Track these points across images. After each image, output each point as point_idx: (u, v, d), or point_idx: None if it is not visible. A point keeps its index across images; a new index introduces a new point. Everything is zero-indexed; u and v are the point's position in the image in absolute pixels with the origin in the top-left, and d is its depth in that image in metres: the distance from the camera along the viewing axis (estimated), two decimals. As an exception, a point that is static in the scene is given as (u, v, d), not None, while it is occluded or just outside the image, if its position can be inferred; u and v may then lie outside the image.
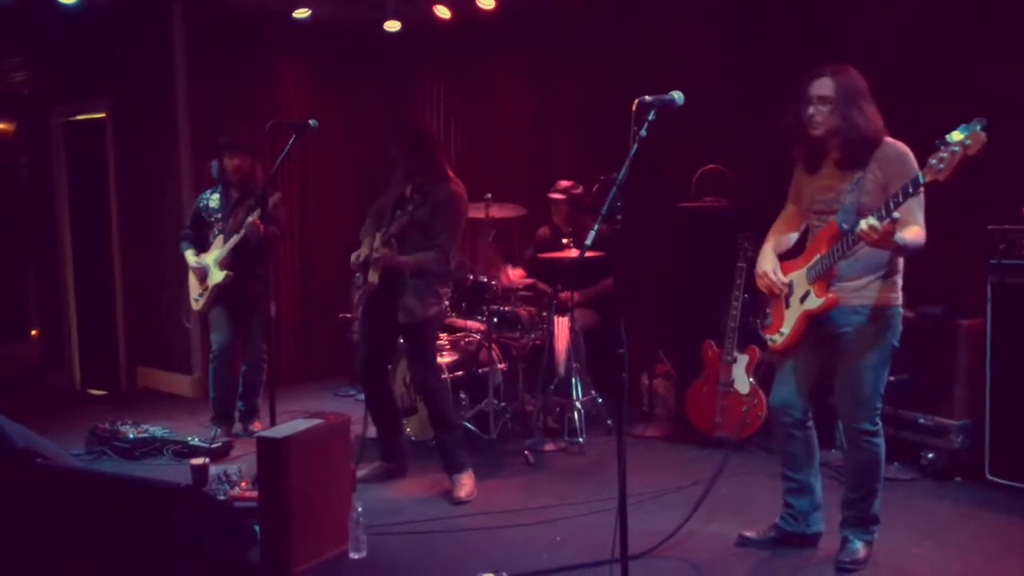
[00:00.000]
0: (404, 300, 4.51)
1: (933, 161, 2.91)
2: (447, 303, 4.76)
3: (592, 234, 2.82)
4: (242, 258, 5.44)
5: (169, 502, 3.13)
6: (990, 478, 4.34)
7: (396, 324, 4.58)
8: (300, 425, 3.75)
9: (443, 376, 5.04)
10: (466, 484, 4.54)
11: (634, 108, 2.89)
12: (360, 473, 4.68)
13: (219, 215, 5.60)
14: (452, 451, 4.60)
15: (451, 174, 4.65)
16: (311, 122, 4.29)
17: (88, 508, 3.18)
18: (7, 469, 3.42)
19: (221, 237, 5.53)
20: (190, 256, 5.64)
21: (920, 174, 2.97)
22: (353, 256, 4.68)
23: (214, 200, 5.65)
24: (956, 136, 2.86)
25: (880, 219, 3.05)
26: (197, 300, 5.66)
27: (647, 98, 2.91)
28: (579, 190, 5.83)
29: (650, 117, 2.90)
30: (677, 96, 2.97)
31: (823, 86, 3.36)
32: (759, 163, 5.57)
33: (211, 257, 5.55)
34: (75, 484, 3.29)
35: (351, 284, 4.83)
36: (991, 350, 4.33)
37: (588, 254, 5.16)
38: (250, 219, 5.24)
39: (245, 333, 5.70)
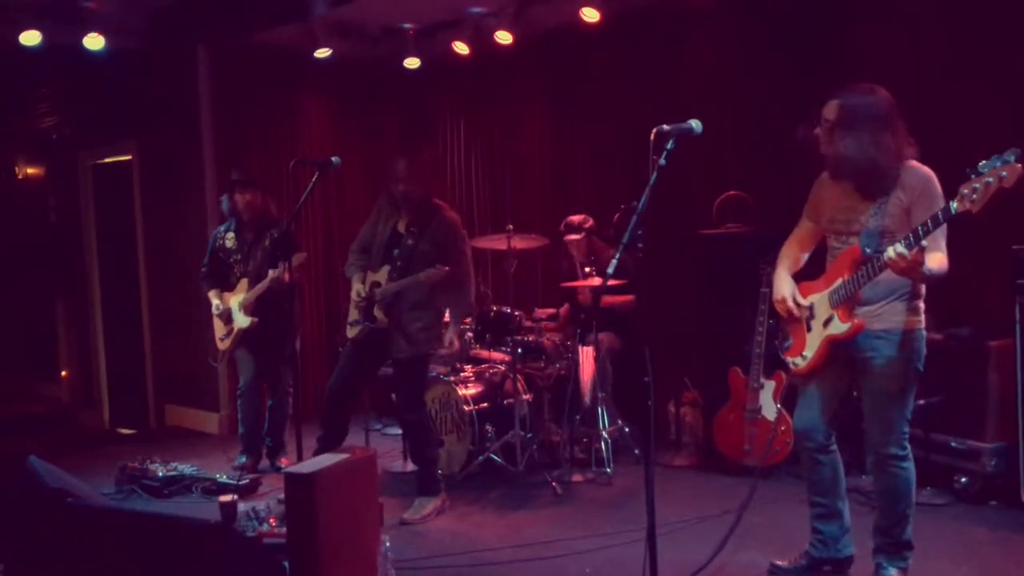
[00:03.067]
0: (400, 335, 4.58)
1: (965, 191, 2.88)
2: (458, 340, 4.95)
3: (614, 263, 2.82)
4: (267, 301, 5.49)
5: (200, 540, 3.14)
6: (1026, 501, 4.27)
7: (385, 356, 4.66)
8: (327, 460, 3.75)
9: (426, 411, 5.12)
10: (427, 508, 4.67)
11: (652, 137, 2.90)
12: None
13: (237, 256, 5.64)
14: (425, 476, 4.79)
15: (439, 202, 4.72)
16: (334, 159, 4.34)
17: (120, 548, 3.19)
18: (39, 510, 3.45)
19: (245, 281, 5.56)
20: (213, 299, 5.69)
21: (952, 204, 2.94)
22: (354, 294, 4.75)
23: (230, 239, 5.67)
24: (990, 167, 2.83)
25: (908, 247, 3.03)
26: (223, 340, 5.71)
27: (665, 127, 2.93)
28: (590, 223, 5.86)
29: (669, 146, 2.91)
30: (695, 124, 2.98)
31: (829, 109, 3.36)
32: (780, 189, 5.59)
33: (235, 301, 5.59)
34: (106, 524, 3.32)
35: (345, 318, 4.91)
36: (1022, 371, 4.27)
37: (610, 282, 5.29)
38: (275, 274, 5.30)
39: (271, 368, 5.74)
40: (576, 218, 5.93)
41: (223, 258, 5.70)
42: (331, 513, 3.60)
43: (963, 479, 4.51)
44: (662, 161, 2.88)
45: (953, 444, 4.56)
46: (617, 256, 2.84)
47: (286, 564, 3.65)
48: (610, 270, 2.82)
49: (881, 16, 5.26)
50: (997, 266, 4.48)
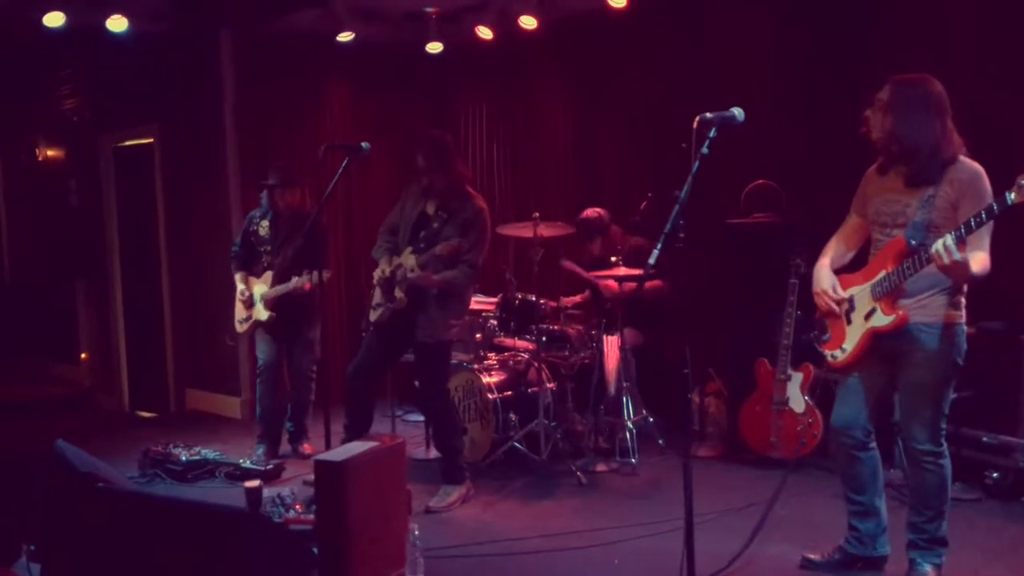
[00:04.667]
0: (425, 319, 4.55)
1: (1023, 182, 2.84)
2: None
3: (655, 253, 2.79)
4: (288, 296, 5.49)
5: (231, 526, 3.13)
6: (1058, 498, 4.23)
7: (408, 342, 4.62)
8: (357, 448, 3.74)
9: (449, 398, 5.08)
10: (452, 496, 4.64)
11: (695, 125, 2.86)
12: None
13: (268, 247, 5.63)
14: (451, 465, 4.75)
15: (472, 190, 4.67)
16: (364, 145, 4.32)
17: (150, 533, 3.18)
18: (69, 494, 3.44)
19: (270, 274, 5.56)
20: (239, 282, 5.69)
21: (1009, 195, 2.89)
22: (376, 273, 4.72)
23: (263, 228, 5.65)
24: None
25: (957, 239, 2.98)
26: (241, 323, 5.73)
27: (708, 115, 2.89)
28: (605, 218, 5.87)
29: (711, 134, 2.87)
30: (738, 112, 2.94)
31: (883, 91, 3.36)
32: (808, 178, 5.53)
33: (258, 291, 5.60)
34: (136, 509, 3.31)
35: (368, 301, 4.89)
36: (1056, 366, 4.23)
37: (632, 271, 5.25)
38: (298, 281, 5.31)
39: (290, 351, 5.73)
40: (589, 215, 5.89)
41: (254, 243, 5.70)
42: (361, 501, 3.59)
43: (994, 474, 4.46)
44: (704, 150, 2.83)
45: (985, 439, 4.51)
46: (659, 247, 2.79)
47: (315, 550, 3.65)
48: (652, 260, 2.78)
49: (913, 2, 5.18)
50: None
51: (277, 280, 5.50)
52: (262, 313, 5.56)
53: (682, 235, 2.77)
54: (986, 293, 4.09)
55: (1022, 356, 4.40)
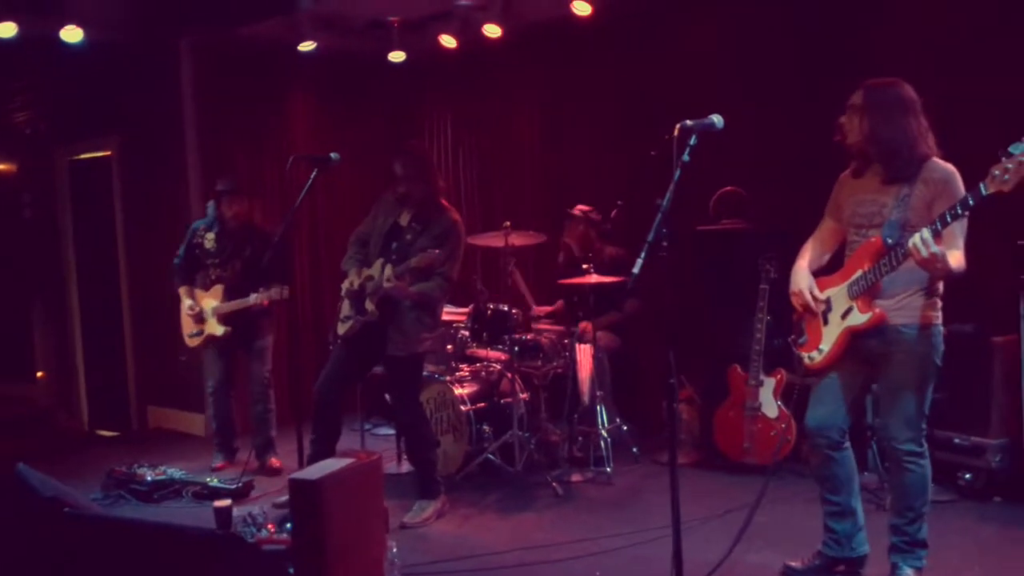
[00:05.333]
0: (397, 332, 4.49)
1: (996, 172, 2.87)
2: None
3: (639, 262, 2.76)
4: (244, 310, 5.45)
5: (205, 549, 3.04)
6: (1031, 497, 4.27)
7: (379, 355, 4.56)
8: (333, 464, 3.67)
9: (423, 412, 5.01)
10: (427, 511, 4.59)
11: (675, 133, 2.84)
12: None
13: (215, 260, 5.57)
14: (425, 479, 4.69)
15: (446, 203, 4.64)
16: (333, 156, 4.25)
17: (121, 558, 3.08)
18: (34, 521, 3.32)
19: (220, 287, 5.50)
20: (185, 297, 5.63)
21: (982, 186, 2.92)
22: (345, 285, 4.65)
23: (209, 240, 5.59)
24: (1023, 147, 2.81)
25: (934, 233, 3.01)
26: (192, 337, 5.65)
27: (688, 122, 2.87)
28: (596, 216, 5.80)
29: (691, 142, 2.85)
30: (717, 120, 2.94)
31: (855, 96, 3.40)
32: (777, 185, 5.56)
33: (208, 304, 5.53)
34: (106, 534, 3.20)
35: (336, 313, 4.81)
36: (1026, 367, 4.27)
37: (607, 279, 5.24)
38: (257, 297, 5.28)
39: (243, 367, 5.69)
40: (584, 207, 5.90)
41: (199, 256, 5.62)
42: (338, 519, 3.52)
43: (967, 475, 4.50)
44: (685, 157, 2.81)
45: (957, 440, 4.55)
46: (642, 257, 2.76)
47: (291, 571, 3.56)
48: (636, 270, 2.75)
49: (884, 10, 5.23)
50: (1001, 261, 4.46)
51: (229, 294, 5.44)
52: (217, 328, 5.49)
53: (665, 244, 2.74)
54: (956, 296, 4.14)
55: (993, 358, 4.46)
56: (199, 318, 5.57)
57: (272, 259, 4.83)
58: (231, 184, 5.58)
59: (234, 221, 5.54)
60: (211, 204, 5.62)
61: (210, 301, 5.53)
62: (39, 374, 8.31)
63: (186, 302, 5.60)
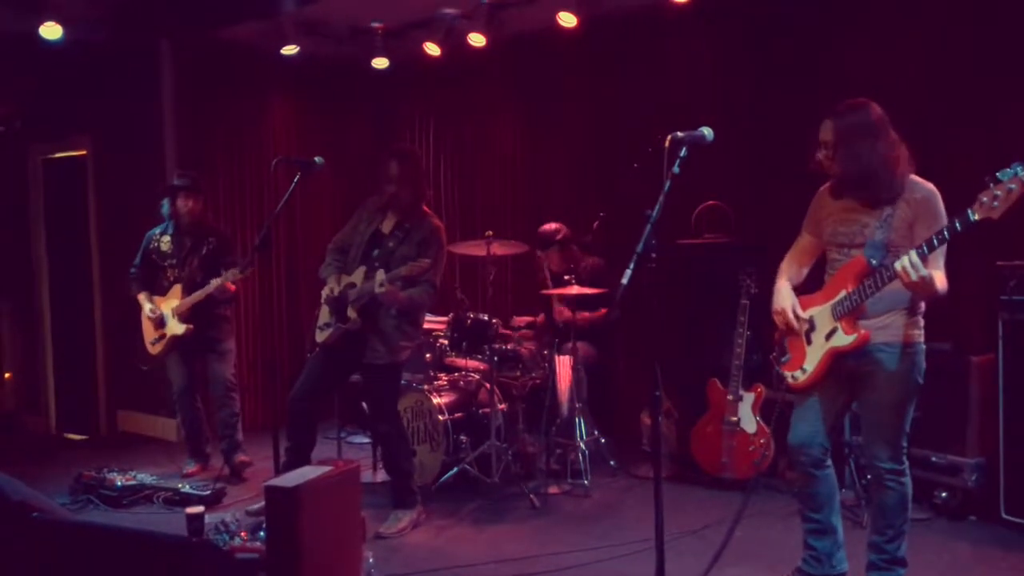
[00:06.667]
0: (378, 340, 4.44)
1: (985, 199, 2.85)
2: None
3: (628, 273, 2.74)
4: (200, 306, 5.40)
5: (177, 556, 2.97)
6: (1006, 517, 4.28)
7: (357, 363, 4.52)
8: (309, 473, 3.60)
9: (401, 421, 4.96)
10: (403, 521, 4.54)
11: (666, 145, 2.83)
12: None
13: (172, 261, 5.52)
14: (401, 488, 4.63)
15: (428, 210, 4.61)
16: (317, 159, 4.21)
17: (92, 565, 3.00)
18: (1, 526, 3.24)
19: (178, 287, 5.44)
20: (144, 302, 5.56)
21: (970, 212, 2.91)
22: (325, 292, 4.60)
23: (165, 243, 5.56)
24: (1011, 174, 2.80)
25: (921, 255, 3.01)
26: (155, 344, 5.57)
27: (679, 134, 2.86)
28: (563, 233, 5.78)
29: (682, 153, 2.84)
30: (707, 132, 2.94)
31: (824, 129, 3.34)
32: (758, 199, 5.59)
33: (168, 306, 5.47)
34: (77, 540, 3.12)
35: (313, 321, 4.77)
36: (1003, 386, 4.29)
37: (587, 290, 5.22)
38: (220, 281, 5.20)
39: (209, 365, 5.63)
40: (549, 228, 5.83)
41: (156, 260, 5.59)
42: (314, 528, 3.45)
43: (943, 494, 4.51)
44: (676, 169, 2.80)
45: (933, 459, 4.57)
46: (631, 268, 2.75)
47: (265, 581, 3.50)
48: (624, 280, 2.72)
49: (858, 27, 5.27)
50: (979, 282, 4.50)
51: (188, 292, 5.38)
52: (177, 328, 5.42)
53: (654, 255, 2.72)
54: (934, 315, 4.16)
55: (970, 377, 4.47)
56: (160, 322, 5.50)
57: (220, 249, 4.74)
58: (188, 180, 5.54)
59: (188, 217, 5.48)
60: (165, 201, 5.55)
61: (170, 303, 5.47)
62: (6, 375, 8.15)
63: (146, 306, 5.53)
